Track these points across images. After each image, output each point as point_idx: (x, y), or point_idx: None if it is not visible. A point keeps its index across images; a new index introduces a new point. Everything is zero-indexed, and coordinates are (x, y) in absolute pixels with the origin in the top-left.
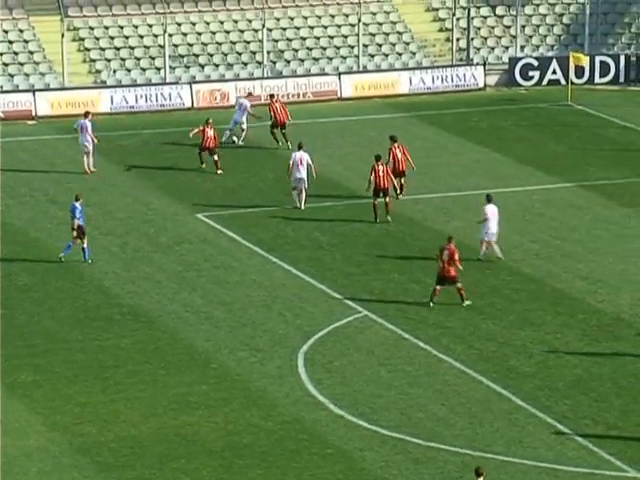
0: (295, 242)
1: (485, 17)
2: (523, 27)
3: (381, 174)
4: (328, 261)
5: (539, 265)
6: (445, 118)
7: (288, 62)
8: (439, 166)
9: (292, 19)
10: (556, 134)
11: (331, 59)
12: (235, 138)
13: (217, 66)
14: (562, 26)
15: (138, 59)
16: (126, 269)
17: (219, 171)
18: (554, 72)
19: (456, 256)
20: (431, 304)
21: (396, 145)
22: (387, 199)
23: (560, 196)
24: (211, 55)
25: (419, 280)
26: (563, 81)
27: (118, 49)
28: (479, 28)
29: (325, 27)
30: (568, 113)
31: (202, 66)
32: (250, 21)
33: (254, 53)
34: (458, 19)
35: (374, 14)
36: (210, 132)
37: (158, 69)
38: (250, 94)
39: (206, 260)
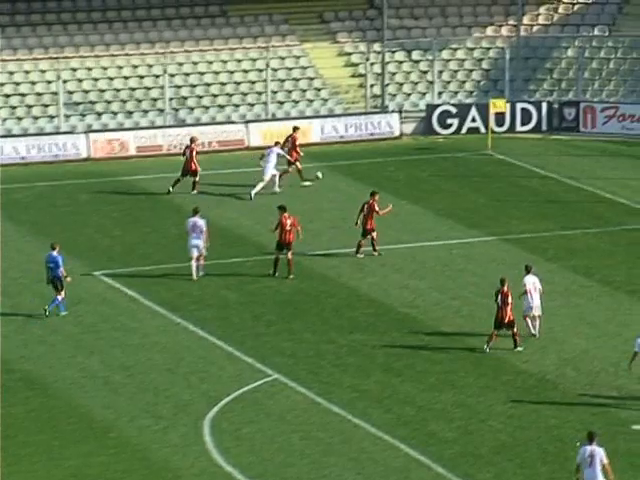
0: (201, 301)
1: (400, 62)
2: (440, 72)
3: (287, 227)
4: (236, 321)
5: (460, 323)
6: (359, 168)
7: (192, 109)
8: (353, 219)
9: (195, 64)
10: (476, 185)
11: (238, 106)
12: (277, 188)
13: (115, 114)
14: (481, 71)
15: (30, 107)
16: (18, 332)
17: (194, 191)
18: (473, 120)
19: (509, 299)
20: (487, 349)
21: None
22: (290, 255)
23: (481, 250)
24: (109, 102)
25: (333, 340)
26: (483, 129)
27: (8, 96)
28: (394, 73)
29: (231, 72)
30: (488, 163)
31: (99, 114)
32: (150, 66)
33: (155, 100)
34: (372, 64)
35: (283, 58)
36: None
37: (52, 117)
38: (277, 143)
39: (105, 321)
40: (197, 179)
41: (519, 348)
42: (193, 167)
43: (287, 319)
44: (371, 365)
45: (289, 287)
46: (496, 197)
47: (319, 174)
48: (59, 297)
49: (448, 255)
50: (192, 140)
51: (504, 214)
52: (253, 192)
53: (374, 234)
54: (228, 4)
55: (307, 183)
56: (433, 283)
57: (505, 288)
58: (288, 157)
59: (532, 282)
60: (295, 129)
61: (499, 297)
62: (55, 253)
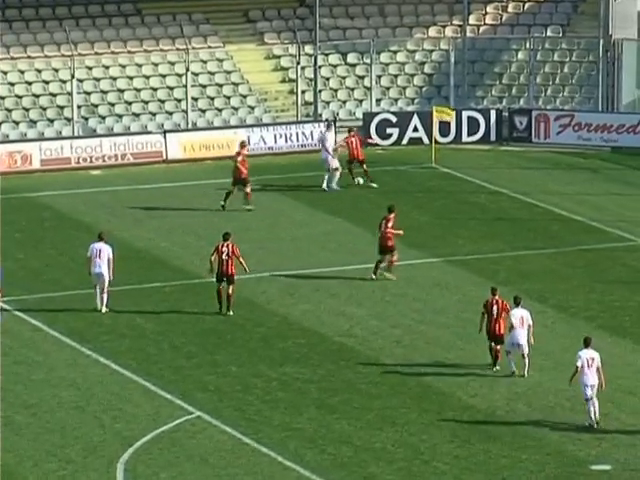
0: (113, 331)
1: (334, 66)
2: (379, 77)
3: (224, 257)
4: (153, 352)
5: (401, 354)
6: (290, 183)
7: (103, 118)
8: (284, 240)
9: (107, 68)
10: (419, 201)
11: (154, 115)
12: (335, 185)
13: (17, 123)
14: (424, 76)
15: None
16: None
17: (249, 206)
18: (415, 129)
19: (504, 313)
20: (496, 368)
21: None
22: (230, 289)
23: (424, 273)
24: (9, 111)
25: (261, 373)
26: (426, 140)
27: None
28: (328, 79)
29: (147, 77)
30: (432, 177)
31: None
32: (57, 70)
33: (62, 108)
34: (303, 68)
35: (204, 62)
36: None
37: None
38: (328, 122)
39: (5, 354)
40: (249, 190)
41: (497, 367)
42: (242, 175)
43: (210, 350)
44: (304, 401)
45: (212, 315)
46: (441, 214)
47: (360, 180)
48: None
49: (385, 279)
50: (242, 145)
51: (449, 233)
52: (335, 186)
53: (394, 257)
54: (143, 2)
55: (363, 182)
56: (371, 310)
57: (500, 298)
58: (343, 143)
59: (520, 316)
60: (350, 130)
61: (494, 308)
62: None
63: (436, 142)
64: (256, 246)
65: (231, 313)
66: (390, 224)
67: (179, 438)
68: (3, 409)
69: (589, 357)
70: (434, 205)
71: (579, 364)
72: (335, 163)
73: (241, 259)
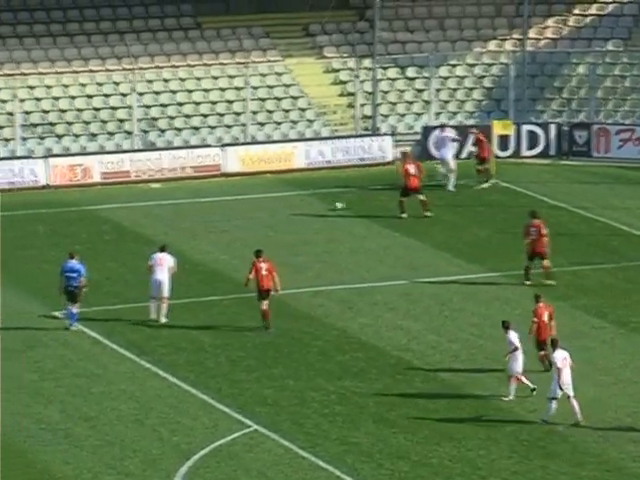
0: (172, 344)
1: (393, 79)
2: (438, 91)
3: (264, 272)
4: (211, 366)
5: (459, 369)
6: (348, 197)
7: (163, 132)
8: (341, 253)
9: (167, 81)
10: (478, 215)
11: (214, 128)
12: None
13: (77, 137)
14: (483, 90)
15: None
16: None
17: (427, 212)
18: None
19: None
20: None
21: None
22: (264, 305)
23: (483, 288)
24: (70, 124)
25: (319, 387)
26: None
27: None
28: (387, 92)
29: (206, 91)
30: (492, 191)
31: (59, 137)
32: (117, 84)
33: (122, 121)
34: (362, 82)
35: (264, 76)
36: (412, 169)
37: (7, 140)
38: (444, 125)
39: (65, 367)
40: (423, 197)
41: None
42: (415, 184)
43: (268, 364)
44: (361, 415)
45: (271, 329)
46: (500, 229)
47: (339, 205)
48: (74, 310)
49: (446, 293)
50: (404, 155)
51: (509, 248)
52: (451, 187)
53: (546, 262)
54: (203, 16)
55: (485, 185)
56: (429, 324)
57: (541, 304)
58: (458, 138)
59: (562, 358)
60: (474, 127)
61: (544, 314)
62: (75, 261)
63: (495, 156)
64: (314, 260)
65: (271, 330)
66: (545, 231)
67: (237, 452)
68: (63, 421)
69: (562, 357)
70: (493, 219)
71: (559, 365)
72: (455, 165)
73: (276, 277)
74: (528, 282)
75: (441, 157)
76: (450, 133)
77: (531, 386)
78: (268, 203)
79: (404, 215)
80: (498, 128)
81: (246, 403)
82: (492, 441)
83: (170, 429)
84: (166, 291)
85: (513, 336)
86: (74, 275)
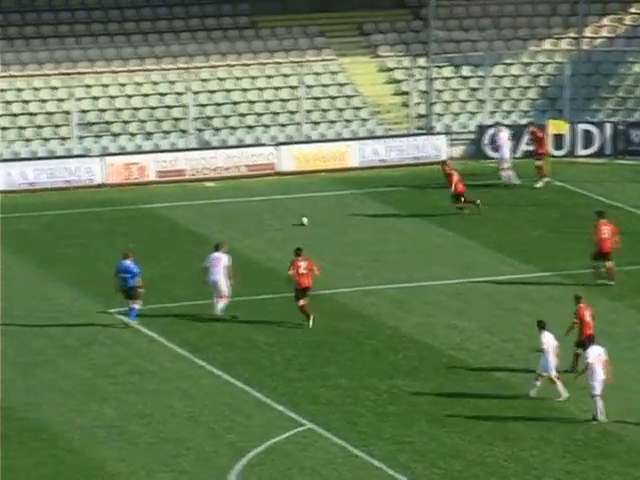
0: (226, 342)
1: (448, 78)
2: (492, 90)
3: (302, 271)
4: (265, 364)
5: (513, 369)
6: (401, 196)
7: (217, 130)
8: (394, 252)
9: (222, 80)
10: (531, 215)
11: (268, 127)
12: (513, 180)
13: (133, 135)
14: (538, 89)
15: (39, 127)
16: (24, 376)
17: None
18: (529, 142)
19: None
20: (577, 372)
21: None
22: (302, 301)
23: (537, 287)
24: (126, 123)
25: (372, 386)
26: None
27: (16, 115)
28: (441, 91)
29: (261, 90)
30: (546, 190)
31: (115, 135)
32: (173, 83)
33: (177, 120)
34: (417, 81)
35: (318, 74)
36: (456, 175)
37: (63, 139)
38: (498, 124)
39: (120, 364)
40: (463, 200)
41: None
42: (459, 188)
43: (321, 363)
44: (414, 414)
45: (323, 327)
46: (554, 228)
47: (304, 220)
48: (136, 306)
49: (499, 292)
50: (444, 163)
51: (562, 247)
52: (514, 181)
53: (609, 263)
54: (258, 15)
55: (540, 184)
56: (483, 323)
57: (582, 305)
58: (509, 132)
59: (597, 354)
60: (530, 124)
61: (586, 314)
62: (129, 262)
63: (550, 155)
64: (366, 258)
65: (309, 323)
66: (616, 231)
67: (291, 450)
68: (118, 419)
69: (597, 354)
70: (547, 219)
71: (590, 360)
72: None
73: (316, 271)
74: (600, 281)
75: (500, 156)
76: (506, 132)
77: (562, 395)
78: (321, 202)
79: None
80: (553, 127)
81: (300, 402)
82: (546, 441)
83: (224, 427)
84: (223, 289)
85: (545, 337)
86: (128, 276)
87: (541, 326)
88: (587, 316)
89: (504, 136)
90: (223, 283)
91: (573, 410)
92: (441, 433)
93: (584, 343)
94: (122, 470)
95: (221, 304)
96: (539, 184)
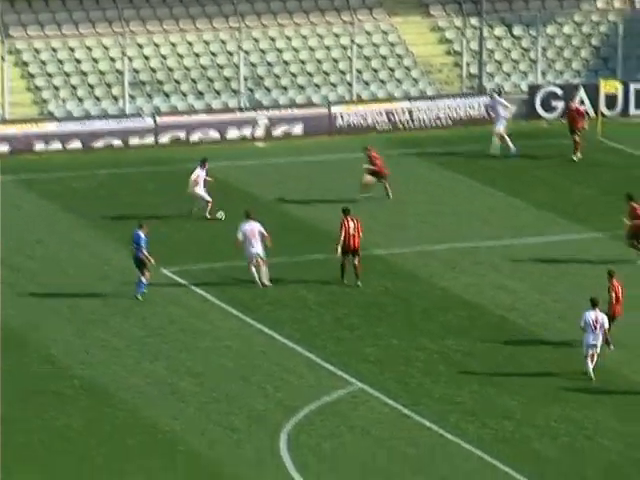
0: (277, 302)
1: (500, 38)
2: (545, 50)
3: (351, 231)
4: (315, 324)
5: (565, 329)
6: (453, 156)
7: (269, 90)
8: (445, 213)
9: (273, 40)
10: (584, 175)
11: (319, 87)
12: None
13: (185, 95)
14: (591, 49)
15: (92, 87)
16: (78, 335)
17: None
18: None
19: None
20: (611, 347)
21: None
22: (357, 260)
23: (588, 248)
24: (178, 82)
25: (423, 346)
26: (592, 113)
27: (68, 75)
28: (493, 51)
29: (312, 49)
30: (598, 150)
31: (167, 95)
32: (224, 42)
33: (228, 80)
34: (468, 41)
35: (369, 34)
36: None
37: (116, 98)
38: (494, 91)
39: (172, 323)
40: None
41: (612, 347)
42: (383, 172)
43: (372, 322)
44: (465, 374)
45: (374, 287)
46: (606, 189)
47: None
48: (143, 279)
49: (550, 253)
50: (367, 149)
51: (615, 208)
52: (493, 150)
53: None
54: None
55: (575, 158)
56: (534, 284)
57: (614, 281)
58: (508, 105)
59: (595, 317)
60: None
61: (619, 290)
62: (140, 233)
63: (602, 115)
64: (417, 219)
65: (360, 284)
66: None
67: (341, 409)
68: (170, 377)
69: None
70: (599, 180)
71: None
72: (501, 130)
73: (361, 234)
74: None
75: (500, 123)
76: (501, 99)
77: (590, 373)
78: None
79: None
80: (605, 87)
81: (350, 361)
82: (598, 402)
83: (275, 386)
84: (262, 256)
85: (587, 316)
86: (135, 247)
87: (593, 304)
88: (619, 292)
89: (500, 104)
90: (261, 251)
91: (626, 371)
92: (492, 393)
93: (613, 319)
94: (175, 428)
95: (264, 273)
96: (574, 157)
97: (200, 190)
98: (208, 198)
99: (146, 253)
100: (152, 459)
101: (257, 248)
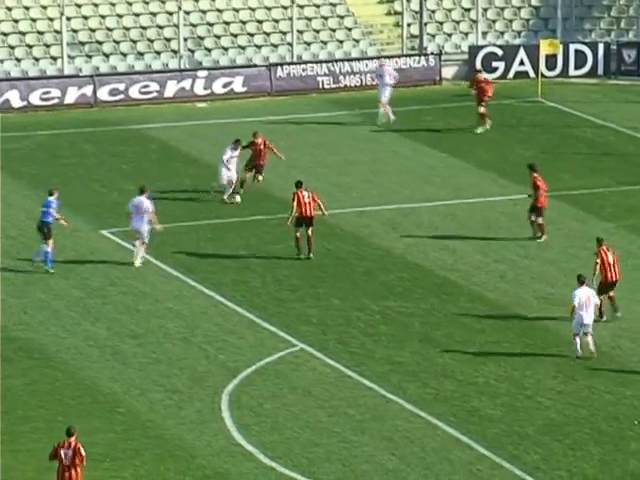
0: (217, 263)
1: None
2: (485, 10)
3: (306, 200)
4: (257, 285)
5: (505, 289)
6: (396, 117)
7: (209, 51)
8: (387, 173)
9: (214, 0)
10: (524, 135)
11: (260, 47)
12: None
13: (125, 55)
14: (530, 9)
15: (30, 47)
16: (17, 296)
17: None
18: (521, 63)
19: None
20: (604, 317)
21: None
22: (310, 231)
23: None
24: (117, 42)
25: (364, 307)
26: (532, 73)
27: (6, 35)
28: (433, 11)
29: (253, 9)
30: (538, 111)
31: (107, 55)
32: (163, 2)
33: (169, 40)
34: (409, 1)
35: None
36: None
37: (54, 59)
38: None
39: (112, 285)
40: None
41: (619, 313)
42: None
43: (313, 283)
44: (406, 334)
45: (316, 248)
46: (546, 149)
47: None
48: (47, 248)
49: (491, 213)
50: (254, 135)
51: (555, 168)
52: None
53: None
54: None
55: (480, 130)
56: (475, 244)
57: (604, 247)
58: (396, 74)
59: (586, 296)
60: (478, 72)
61: (609, 256)
62: (51, 198)
63: (542, 76)
64: (359, 180)
65: (312, 256)
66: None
67: (282, 370)
68: (110, 338)
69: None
70: (539, 139)
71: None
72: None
73: (320, 202)
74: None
75: (384, 92)
76: (389, 67)
77: (592, 349)
78: (315, 123)
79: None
80: (545, 47)
81: (291, 322)
82: (538, 361)
83: (216, 347)
84: (144, 235)
85: (580, 294)
86: (43, 210)
87: (581, 280)
88: (609, 258)
89: (388, 71)
90: (145, 230)
91: (564, 331)
92: (433, 353)
93: (605, 287)
94: (115, 389)
95: (139, 253)
96: (479, 130)
97: (229, 173)
98: (234, 182)
99: (57, 216)
100: (92, 420)
101: (139, 225)
